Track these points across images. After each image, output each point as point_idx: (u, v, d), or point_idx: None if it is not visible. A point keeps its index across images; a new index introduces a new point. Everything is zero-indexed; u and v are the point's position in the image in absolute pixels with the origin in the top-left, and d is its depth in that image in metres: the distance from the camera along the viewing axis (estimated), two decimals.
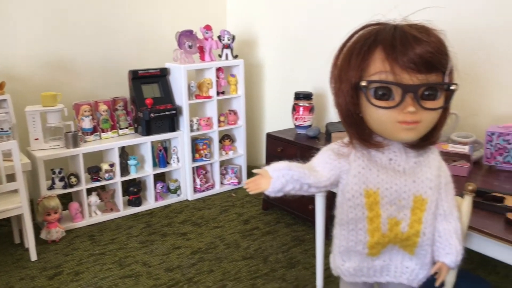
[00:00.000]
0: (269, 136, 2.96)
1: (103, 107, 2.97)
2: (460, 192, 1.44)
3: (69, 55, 3.17)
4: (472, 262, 2.36)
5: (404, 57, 1.22)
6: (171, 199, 3.20)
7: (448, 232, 1.37)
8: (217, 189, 3.38)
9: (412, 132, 1.27)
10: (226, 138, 3.41)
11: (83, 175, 2.82)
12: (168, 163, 3.21)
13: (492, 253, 1.52)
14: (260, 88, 3.65)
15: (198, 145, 3.26)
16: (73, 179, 2.80)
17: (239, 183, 3.46)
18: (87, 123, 2.90)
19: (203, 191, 3.31)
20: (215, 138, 3.31)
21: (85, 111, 2.89)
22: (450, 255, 1.36)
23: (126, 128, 3.06)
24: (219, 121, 3.30)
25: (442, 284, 1.49)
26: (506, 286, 2.18)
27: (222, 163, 3.45)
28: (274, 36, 3.47)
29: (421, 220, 1.34)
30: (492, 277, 2.25)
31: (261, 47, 3.59)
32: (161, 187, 3.17)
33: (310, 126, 2.95)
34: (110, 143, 2.91)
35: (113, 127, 3.02)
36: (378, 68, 1.25)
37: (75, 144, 2.77)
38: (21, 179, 2.34)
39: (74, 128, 2.85)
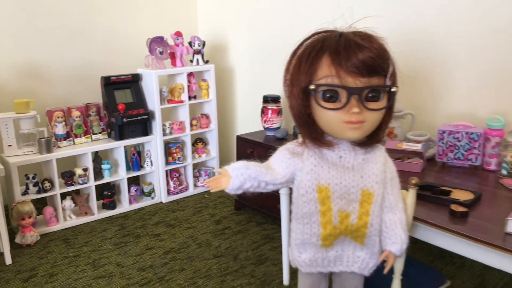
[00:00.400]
0: (239, 138, 3.06)
1: (76, 113, 3.03)
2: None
3: (41, 62, 3.22)
4: (431, 254, 2.49)
5: (348, 62, 1.33)
6: (146, 202, 3.27)
7: (393, 223, 1.48)
8: (191, 191, 3.46)
9: (358, 131, 1.39)
10: (199, 141, 3.50)
11: (57, 180, 2.88)
12: (141, 166, 3.28)
13: (438, 242, 1.64)
14: (232, 92, 3.75)
15: (171, 148, 3.33)
16: (47, 184, 2.85)
17: None
18: (60, 129, 2.96)
19: (177, 193, 3.39)
20: (188, 142, 3.39)
21: (58, 117, 2.95)
22: (396, 244, 1.47)
23: (100, 133, 3.13)
24: (192, 125, 3.38)
25: (391, 271, 1.60)
26: (461, 275, 2.31)
27: (195, 166, 3.53)
28: (244, 41, 3.57)
29: (368, 212, 1.45)
30: (449, 267, 2.38)
31: (232, 52, 3.69)
32: (135, 190, 3.24)
33: (278, 128, 3.05)
34: (83, 148, 2.97)
35: (86, 133, 3.08)
36: (325, 73, 1.36)
37: (48, 150, 2.83)
38: None
39: (47, 134, 2.91)
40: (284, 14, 3.19)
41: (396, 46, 2.28)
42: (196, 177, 3.53)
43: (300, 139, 1.53)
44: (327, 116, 1.40)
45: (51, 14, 3.22)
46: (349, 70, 1.34)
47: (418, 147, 2.09)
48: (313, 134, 1.47)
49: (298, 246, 1.56)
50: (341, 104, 1.37)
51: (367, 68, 1.34)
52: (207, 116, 3.47)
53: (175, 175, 3.39)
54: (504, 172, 2.00)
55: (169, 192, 3.37)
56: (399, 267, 1.59)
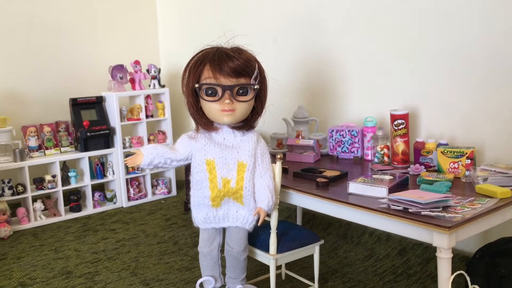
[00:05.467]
0: None
1: (47, 129, 3.56)
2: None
3: (18, 86, 3.78)
4: (337, 236, 2.97)
5: (221, 68, 1.90)
6: (108, 206, 3.75)
7: (262, 186, 2.00)
8: (150, 197, 3.95)
9: (230, 117, 1.95)
10: None
11: (28, 185, 3.37)
12: (105, 175, 3.77)
13: (306, 204, 2.13)
14: (186, 112, 4.27)
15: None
16: (20, 188, 3.34)
17: (169, 192, 4.04)
18: (33, 142, 3.47)
19: (137, 199, 3.88)
20: None
21: (31, 132, 3.47)
22: (264, 201, 1.99)
23: (68, 146, 3.64)
24: (149, 140, 3.90)
25: (269, 227, 2.09)
26: (356, 250, 2.79)
27: (154, 176, 4.04)
28: None
29: (243, 178, 1.98)
30: (348, 244, 2.86)
31: None
32: (99, 196, 3.73)
33: None
34: (53, 157, 3.48)
35: (56, 146, 3.59)
36: (206, 76, 1.94)
37: (22, 159, 3.34)
38: None
39: (21, 146, 3.42)
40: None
41: (308, 67, 2.93)
42: (154, 186, 4.02)
43: (195, 128, 2.08)
44: (209, 107, 1.97)
45: (26, 46, 3.80)
46: (222, 73, 1.92)
47: (310, 142, 2.62)
48: (203, 121, 2.02)
49: (195, 207, 2.07)
50: (218, 97, 1.94)
51: (235, 71, 1.92)
52: (163, 133, 4.00)
53: (135, 183, 3.89)
54: (376, 160, 2.52)
55: (129, 198, 3.85)
56: (274, 223, 2.08)
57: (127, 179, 3.84)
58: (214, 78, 1.92)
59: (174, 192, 4.08)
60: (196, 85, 1.94)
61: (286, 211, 3.37)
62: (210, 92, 1.93)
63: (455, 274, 1.62)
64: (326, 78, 3.06)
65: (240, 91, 1.94)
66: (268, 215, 2.09)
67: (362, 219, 1.90)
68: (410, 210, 1.72)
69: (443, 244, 1.60)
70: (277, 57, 3.35)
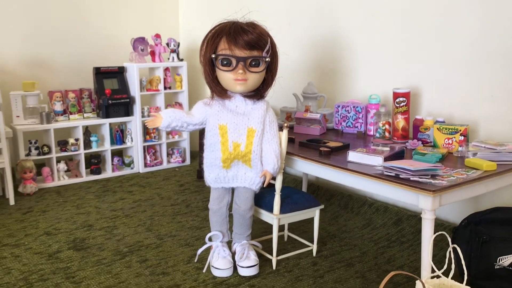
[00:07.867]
0: None
1: (71, 95, 3.78)
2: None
3: (45, 55, 4.00)
4: (339, 207, 3.16)
5: (236, 40, 2.08)
6: (126, 171, 3.99)
7: (269, 151, 2.19)
8: (165, 165, 4.17)
9: (243, 86, 2.14)
10: None
11: (53, 146, 3.61)
12: (124, 141, 4.00)
13: (308, 170, 2.33)
14: (201, 85, 4.48)
15: (148, 128, 4.05)
16: (45, 149, 3.59)
17: (183, 161, 4.26)
18: (58, 107, 3.70)
19: (153, 166, 4.10)
20: None
21: (57, 97, 3.70)
22: (270, 165, 2.18)
23: (90, 112, 3.86)
24: None
25: (273, 189, 2.29)
26: (355, 219, 2.98)
27: (169, 145, 4.26)
28: None
29: (252, 143, 2.17)
30: (348, 214, 3.05)
31: None
32: (117, 161, 3.96)
33: None
34: (76, 122, 3.71)
35: (79, 111, 3.82)
36: (222, 47, 2.13)
37: (48, 122, 3.57)
38: (4, 142, 3.12)
39: (47, 110, 3.65)
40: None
41: (319, 47, 3.08)
42: (169, 154, 4.24)
43: (210, 96, 2.28)
44: (224, 76, 2.16)
45: (53, 17, 4.01)
46: (237, 45, 2.10)
47: (317, 116, 2.79)
48: (218, 89, 2.22)
49: (207, 167, 2.27)
50: (232, 67, 2.12)
51: (249, 44, 2.10)
52: (180, 104, 4.20)
53: (151, 151, 4.11)
54: (377, 135, 2.69)
55: (146, 165, 4.08)
56: (278, 186, 2.28)
57: (144, 147, 4.06)
58: (229, 50, 2.10)
59: (188, 161, 4.30)
60: (213, 56, 2.12)
61: (293, 182, 3.57)
62: (225, 62, 2.12)
63: (437, 234, 1.80)
64: (335, 57, 3.22)
65: (253, 63, 2.13)
66: (274, 179, 2.30)
67: (358, 184, 2.08)
68: (401, 176, 1.90)
69: (427, 206, 1.79)
70: (291, 37, 3.52)
